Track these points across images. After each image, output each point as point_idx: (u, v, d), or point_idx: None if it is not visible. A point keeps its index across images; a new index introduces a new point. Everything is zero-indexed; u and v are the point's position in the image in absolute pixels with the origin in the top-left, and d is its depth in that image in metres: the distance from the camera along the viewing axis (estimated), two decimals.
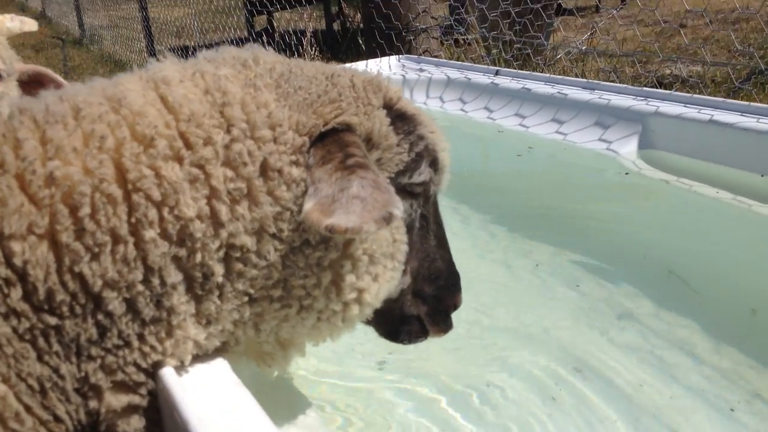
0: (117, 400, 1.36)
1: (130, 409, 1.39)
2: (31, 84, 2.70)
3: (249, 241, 1.37)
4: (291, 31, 7.71)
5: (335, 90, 1.50)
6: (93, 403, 1.36)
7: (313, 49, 7.24)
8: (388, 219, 1.29)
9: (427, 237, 1.70)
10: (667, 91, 3.58)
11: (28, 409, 1.30)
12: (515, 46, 6.27)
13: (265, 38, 8.13)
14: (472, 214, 3.50)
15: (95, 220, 1.27)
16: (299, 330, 1.55)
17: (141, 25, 10.52)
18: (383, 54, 5.44)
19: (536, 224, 3.29)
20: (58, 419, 1.34)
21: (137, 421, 1.40)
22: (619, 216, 3.29)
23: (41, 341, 1.29)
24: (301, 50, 7.27)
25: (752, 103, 3.21)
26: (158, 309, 1.35)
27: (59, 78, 2.78)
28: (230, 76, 1.45)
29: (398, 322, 1.74)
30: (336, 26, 8.86)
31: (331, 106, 1.46)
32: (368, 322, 1.76)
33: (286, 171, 1.38)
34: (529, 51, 6.06)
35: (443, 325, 1.79)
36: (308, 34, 7.45)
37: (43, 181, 1.27)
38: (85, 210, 1.27)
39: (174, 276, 1.34)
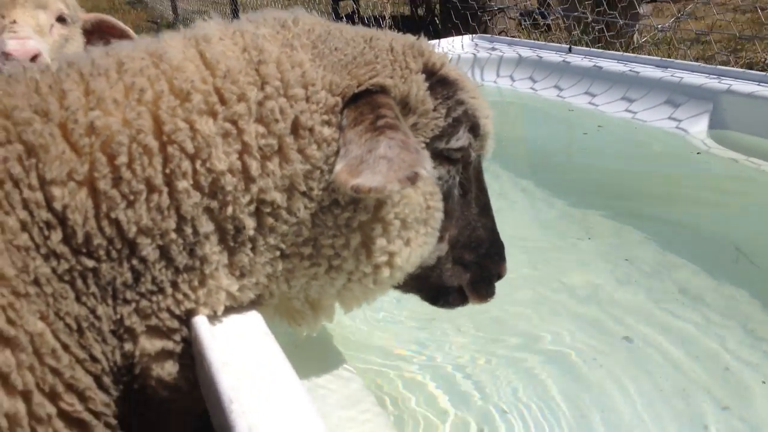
0: (151, 345, 1.39)
1: (165, 354, 1.42)
2: (94, 33, 2.84)
3: (279, 197, 1.39)
4: (375, 17, 7.75)
5: (372, 52, 1.49)
6: (128, 346, 1.39)
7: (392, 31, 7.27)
8: (413, 178, 1.28)
9: (469, 205, 1.67)
10: (741, 70, 3.46)
11: (65, 347, 1.33)
12: (596, 27, 6.15)
13: (349, 24, 8.18)
14: (534, 188, 3.47)
15: (131, 169, 1.31)
16: (328, 290, 1.56)
17: (229, 9, 10.80)
18: (459, 35, 5.43)
19: (597, 200, 3.22)
20: (94, 359, 1.38)
21: (171, 366, 1.43)
22: (685, 194, 3.19)
23: (79, 282, 1.33)
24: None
25: None
26: (191, 257, 1.37)
27: (122, 25, 2.91)
28: (268, 36, 1.47)
29: (437, 289, 1.73)
30: (421, 11, 8.88)
31: (366, 67, 1.45)
32: (408, 290, 1.75)
33: (317, 130, 1.39)
34: (612, 33, 5.93)
35: (484, 292, 1.76)
36: (387, 17, 7.51)
37: (84, 130, 1.31)
38: (122, 159, 1.30)
39: (206, 226, 1.36)
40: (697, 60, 5.64)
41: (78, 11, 2.82)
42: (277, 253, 1.44)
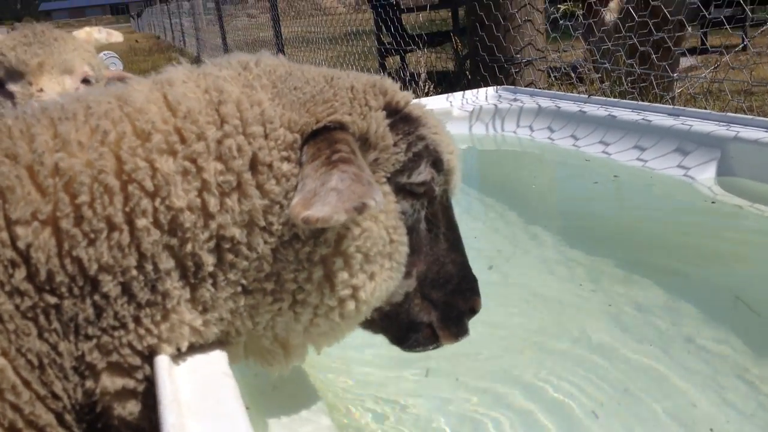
0: (112, 382, 1.41)
1: (126, 393, 1.44)
2: None
3: (238, 233, 1.42)
4: (417, 72, 7.91)
5: (331, 91, 1.54)
6: (90, 383, 1.41)
7: (426, 85, 7.41)
8: (360, 209, 1.30)
9: (437, 240, 1.70)
10: (749, 116, 3.43)
11: (26, 383, 1.37)
12: (628, 79, 6.15)
13: (396, 78, 8.36)
14: (545, 236, 3.47)
15: (92, 208, 1.36)
16: (295, 326, 1.57)
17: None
18: (487, 86, 5.50)
19: (606, 248, 3.21)
20: (55, 396, 1.41)
21: (133, 406, 1.44)
22: (691, 242, 3.16)
23: (42, 319, 1.37)
24: (413, 85, 7.46)
25: None
26: (153, 293, 1.40)
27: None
28: (229, 77, 1.53)
29: (406, 328, 1.73)
30: (455, 66, 9.03)
31: (324, 105, 1.51)
32: (377, 329, 1.76)
33: (276, 166, 1.43)
34: (645, 84, 5.92)
35: (455, 330, 1.75)
36: (423, 72, 7.66)
37: (49, 171, 1.36)
38: (84, 198, 1.35)
39: (167, 263, 1.39)
40: (736, 111, 5.58)
41: (102, 69, 2.97)
42: (239, 288, 1.47)
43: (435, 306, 1.71)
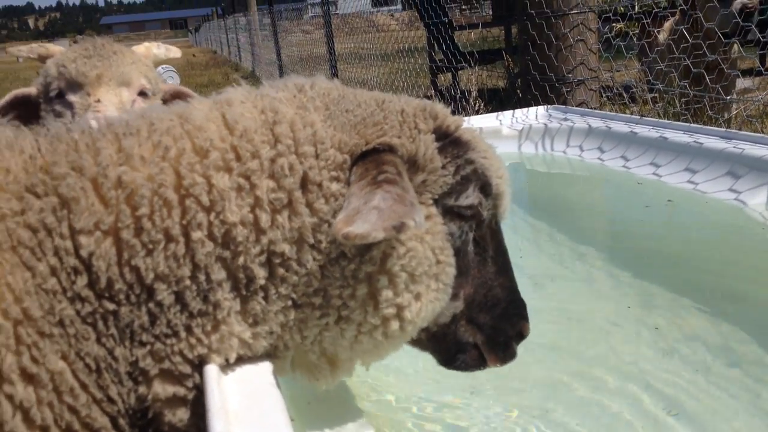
0: (163, 389, 1.47)
1: (177, 401, 1.49)
2: (172, 102, 3.10)
3: (288, 249, 1.47)
4: (467, 90, 7.97)
5: (381, 114, 1.59)
6: (142, 389, 1.47)
7: (476, 102, 7.44)
8: (399, 228, 1.35)
9: (485, 263, 1.71)
10: None
11: (83, 386, 1.43)
12: (682, 101, 6.10)
13: (447, 95, 8.43)
14: (593, 257, 3.47)
15: (152, 220, 1.42)
16: (341, 342, 1.60)
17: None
18: (538, 104, 5.51)
19: (656, 271, 3.20)
20: (111, 400, 1.47)
21: (183, 413, 1.50)
22: (741, 267, 3.13)
23: (100, 324, 1.43)
24: (464, 102, 7.51)
25: None
26: (205, 303, 1.46)
27: (196, 96, 3.16)
28: (284, 99, 1.60)
29: (453, 349, 1.74)
30: (505, 84, 9.06)
31: (374, 128, 1.56)
32: (423, 348, 1.78)
33: (325, 185, 1.49)
34: (699, 105, 5.86)
35: (502, 354, 1.76)
36: (474, 90, 7.70)
37: (112, 184, 1.44)
38: (144, 210, 1.42)
39: (219, 274, 1.45)
40: None
41: (158, 83, 3.08)
42: (289, 302, 1.52)
43: (482, 329, 1.72)
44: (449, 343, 1.74)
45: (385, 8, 18.78)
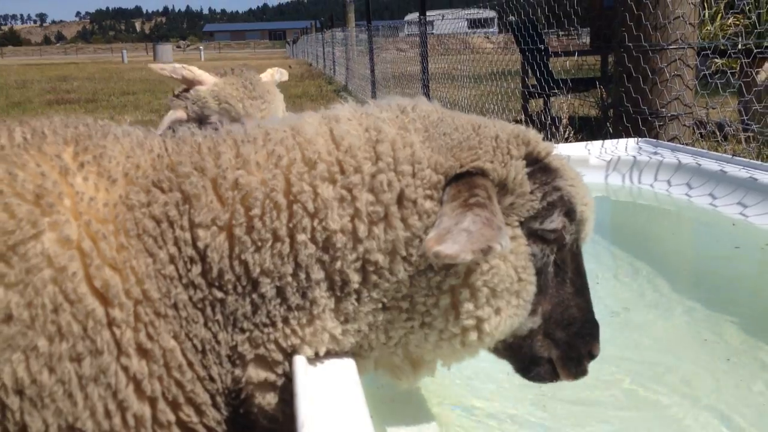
0: (257, 374, 1.60)
1: (267, 385, 1.61)
2: None
3: (381, 259, 1.58)
4: (558, 117, 8.00)
5: (477, 139, 1.69)
6: (238, 371, 1.60)
7: (566, 130, 7.48)
8: (486, 251, 1.45)
9: (564, 284, 1.79)
10: None
11: (190, 364, 1.56)
12: None
13: (537, 121, 8.49)
14: (670, 290, 3.50)
15: (262, 221, 1.55)
16: (424, 345, 1.72)
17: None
18: (629, 137, 5.52)
19: (735, 310, 3.20)
20: (212, 378, 1.59)
21: (272, 397, 1.62)
22: None
23: (209, 310, 1.56)
24: (554, 129, 7.56)
25: None
26: (303, 299, 1.58)
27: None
28: (387, 119, 1.71)
29: (528, 361, 1.84)
30: (597, 113, 9.03)
31: (469, 152, 1.65)
32: (501, 356, 1.88)
33: (419, 202, 1.59)
34: None
35: (574, 370, 1.84)
36: (565, 118, 7.74)
37: (230, 185, 1.57)
38: (256, 211, 1.55)
39: (317, 274, 1.57)
40: None
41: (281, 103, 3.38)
42: (380, 305, 1.64)
43: (557, 344, 1.81)
44: (525, 355, 1.83)
45: (482, 30, 18.82)
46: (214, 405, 1.62)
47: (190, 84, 3.33)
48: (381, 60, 18.11)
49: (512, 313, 1.68)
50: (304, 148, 1.64)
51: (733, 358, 2.78)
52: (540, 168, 1.73)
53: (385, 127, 1.68)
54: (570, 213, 1.75)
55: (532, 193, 1.69)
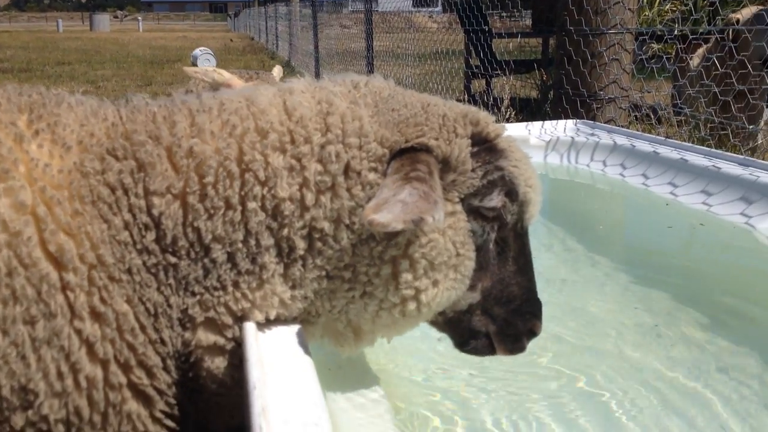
0: (206, 337, 1.64)
1: (216, 349, 1.66)
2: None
3: (327, 226, 1.64)
4: (500, 98, 8.14)
5: (424, 116, 1.73)
6: (188, 335, 1.64)
7: (507, 111, 7.63)
8: (417, 222, 1.50)
9: (506, 262, 1.85)
10: None
11: (142, 327, 1.60)
12: (708, 125, 6.26)
13: (479, 101, 8.60)
14: (605, 263, 3.67)
15: (215, 189, 1.59)
16: (363, 315, 1.78)
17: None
18: (568, 118, 5.68)
19: (663, 282, 3.39)
20: (163, 342, 1.63)
21: (221, 362, 1.67)
22: (739, 283, 3.35)
23: (162, 275, 1.60)
24: (496, 110, 7.70)
25: None
26: (253, 264, 1.64)
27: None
28: (339, 93, 1.76)
29: (467, 334, 1.91)
30: (537, 94, 9.21)
31: (415, 128, 1.70)
32: (441, 329, 1.96)
33: (364, 174, 1.65)
34: (725, 132, 6.02)
35: (510, 346, 1.91)
36: (506, 98, 7.89)
37: (184, 153, 1.61)
38: (210, 179, 1.59)
39: (267, 240, 1.63)
40: None
41: None
42: (323, 272, 1.70)
43: (495, 321, 1.87)
44: (464, 329, 1.90)
45: (426, 9, 18.85)
46: (165, 368, 1.66)
47: (218, 87, 3.40)
48: (325, 36, 17.99)
49: (449, 285, 1.74)
50: (258, 117, 1.68)
51: (660, 326, 2.96)
52: (486, 148, 1.78)
53: (337, 101, 1.73)
54: (511, 193, 1.79)
55: (473, 171, 1.75)
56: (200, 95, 1.82)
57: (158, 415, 1.68)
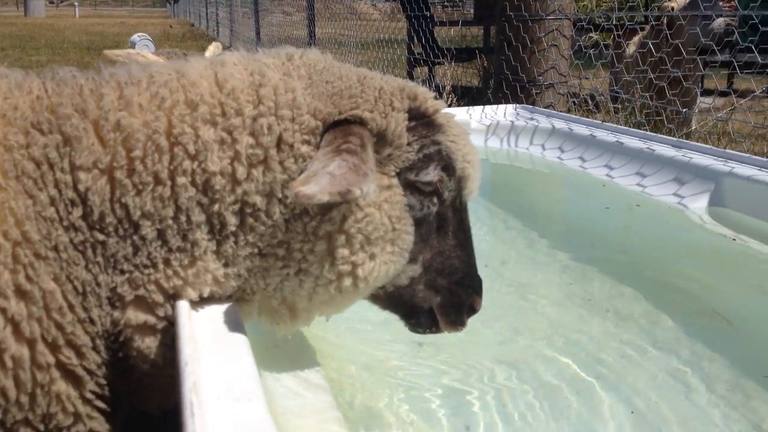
0: (136, 316, 1.60)
1: (147, 328, 1.62)
2: None
3: (259, 201, 1.61)
4: (442, 85, 8.17)
5: (359, 88, 1.71)
6: (117, 314, 1.60)
7: (449, 97, 7.66)
8: (344, 194, 1.47)
9: (445, 237, 1.85)
10: (746, 155, 3.67)
11: (70, 306, 1.56)
12: (644, 111, 6.38)
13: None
14: (542, 242, 3.74)
15: (144, 163, 1.55)
16: (299, 292, 1.75)
17: None
18: (508, 103, 5.74)
19: (599, 258, 3.49)
20: (92, 321, 1.59)
21: (152, 341, 1.63)
22: (674, 261, 3.44)
23: (90, 252, 1.56)
24: (437, 96, 7.70)
25: None
26: (184, 241, 1.60)
27: None
28: (272, 65, 1.73)
29: (410, 310, 1.90)
30: (479, 82, 9.29)
31: (349, 100, 1.68)
32: (383, 306, 1.93)
33: (296, 146, 1.62)
34: (661, 118, 6.14)
35: (453, 318, 1.90)
36: (448, 85, 7.92)
37: (111, 127, 1.56)
38: (138, 153, 1.55)
39: (198, 216, 1.59)
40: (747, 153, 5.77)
41: None
42: (256, 249, 1.66)
43: (437, 292, 1.86)
44: (406, 304, 1.89)
45: None
46: (95, 348, 1.62)
47: None
48: (267, 23, 17.80)
49: (387, 259, 1.73)
50: (188, 90, 1.64)
51: (594, 300, 3.04)
52: (423, 123, 1.77)
53: (269, 72, 1.70)
54: (448, 168, 1.79)
55: (409, 144, 1.73)
56: (129, 67, 1.78)
57: (88, 395, 1.63)
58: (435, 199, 1.80)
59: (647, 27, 6.86)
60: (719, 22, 6.33)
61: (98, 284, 1.59)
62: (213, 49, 3.82)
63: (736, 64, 5.57)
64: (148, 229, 1.58)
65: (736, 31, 6.04)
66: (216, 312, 1.68)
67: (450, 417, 2.28)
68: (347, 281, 1.70)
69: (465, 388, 2.43)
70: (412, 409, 2.31)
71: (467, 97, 8.56)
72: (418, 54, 10.23)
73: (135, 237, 1.58)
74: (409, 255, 1.78)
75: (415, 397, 2.37)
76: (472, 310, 1.92)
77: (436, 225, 1.83)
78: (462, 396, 2.38)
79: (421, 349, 2.61)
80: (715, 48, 5.82)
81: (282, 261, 1.69)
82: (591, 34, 8.64)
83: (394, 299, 1.89)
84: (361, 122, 1.67)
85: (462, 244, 1.88)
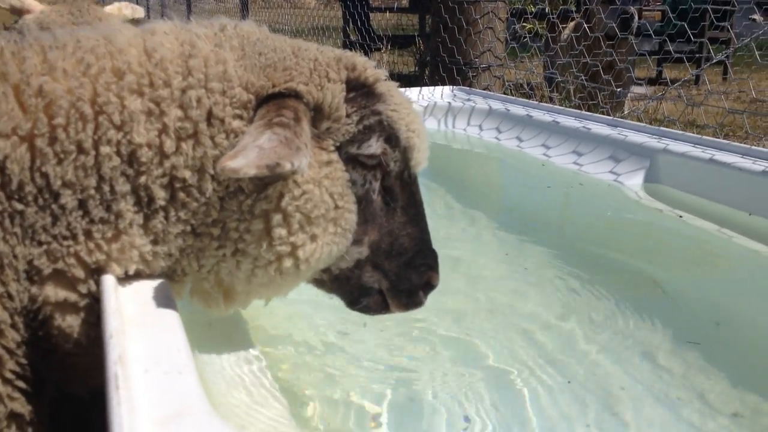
0: (55, 293, 1.51)
1: (68, 306, 1.53)
2: None
3: (189, 175, 1.53)
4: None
5: (294, 60, 1.63)
6: (35, 289, 1.51)
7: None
8: (272, 167, 1.40)
9: (393, 213, 1.75)
10: (680, 132, 3.72)
11: None
12: (578, 95, 6.45)
13: None
14: (482, 218, 3.76)
15: (66, 131, 1.46)
16: (236, 274, 1.66)
17: None
18: (444, 86, 5.73)
19: (538, 234, 3.51)
20: (10, 296, 1.50)
21: (74, 320, 1.54)
22: (612, 235, 3.49)
23: (7, 223, 1.47)
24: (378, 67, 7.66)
25: (754, 147, 3.32)
26: (107, 212, 1.51)
27: None
28: (204, 35, 1.64)
29: (357, 292, 1.81)
30: (415, 66, 9.27)
31: (283, 72, 1.60)
32: (328, 290, 1.84)
33: (227, 121, 1.54)
34: (595, 102, 6.22)
35: (405, 300, 1.83)
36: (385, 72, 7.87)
37: (33, 92, 1.46)
38: (60, 121, 1.45)
39: (122, 186, 1.51)
40: None
41: None
42: (188, 227, 1.58)
43: (387, 275, 1.78)
44: (353, 287, 1.80)
45: None
46: (13, 325, 1.53)
47: (18, 13, 3.10)
48: (199, 10, 17.49)
49: (329, 240, 1.65)
50: (115, 57, 1.56)
51: (529, 267, 3.09)
52: (363, 93, 1.68)
53: (200, 43, 1.62)
54: (391, 138, 1.70)
55: (348, 116, 1.65)
56: (55, 32, 1.67)
57: (8, 375, 1.54)
58: (379, 173, 1.71)
59: (582, 12, 6.94)
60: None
61: (15, 256, 1.48)
62: (119, 6, 3.43)
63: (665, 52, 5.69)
64: (68, 198, 1.49)
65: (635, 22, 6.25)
66: (145, 286, 1.59)
67: (394, 390, 2.24)
68: (287, 263, 1.62)
69: (395, 355, 2.41)
70: (351, 383, 2.27)
71: (404, 82, 8.53)
72: (354, 40, 10.17)
73: (54, 206, 1.49)
74: (353, 235, 1.69)
75: (353, 372, 2.32)
76: (430, 286, 1.85)
77: (384, 201, 1.74)
78: (408, 373, 2.35)
79: (360, 325, 2.56)
80: (618, 32, 5.96)
81: (218, 241, 1.61)
82: (526, 24, 8.70)
83: (339, 282, 1.80)
84: (296, 95, 1.59)
85: (413, 220, 1.79)
